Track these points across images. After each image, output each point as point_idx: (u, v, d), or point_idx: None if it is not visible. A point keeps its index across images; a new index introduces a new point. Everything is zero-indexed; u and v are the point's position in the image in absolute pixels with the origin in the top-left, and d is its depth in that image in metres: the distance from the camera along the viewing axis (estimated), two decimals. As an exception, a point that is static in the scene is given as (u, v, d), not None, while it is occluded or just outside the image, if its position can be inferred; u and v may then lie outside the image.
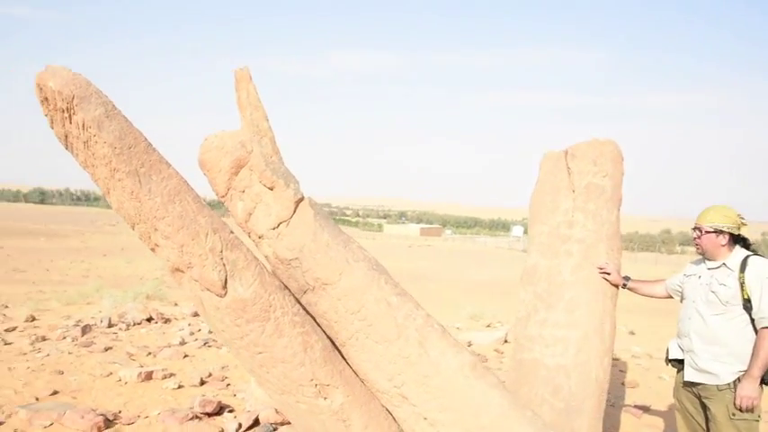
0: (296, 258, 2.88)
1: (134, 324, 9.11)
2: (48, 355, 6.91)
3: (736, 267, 3.46)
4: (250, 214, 2.98)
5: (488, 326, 11.58)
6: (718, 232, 3.52)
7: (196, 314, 10.00)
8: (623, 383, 7.29)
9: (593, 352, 3.56)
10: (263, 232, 2.95)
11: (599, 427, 3.51)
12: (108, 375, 6.12)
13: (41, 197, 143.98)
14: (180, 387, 5.88)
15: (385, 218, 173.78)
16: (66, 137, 2.52)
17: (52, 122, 2.50)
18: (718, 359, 3.47)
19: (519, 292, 4.00)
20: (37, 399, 5.28)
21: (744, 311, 3.42)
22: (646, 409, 6.10)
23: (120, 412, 5.06)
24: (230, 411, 5.24)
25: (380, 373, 2.90)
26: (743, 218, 3.58)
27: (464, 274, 30.00)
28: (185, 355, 7.26)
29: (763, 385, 3.39)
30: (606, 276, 3.71)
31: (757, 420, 3.40)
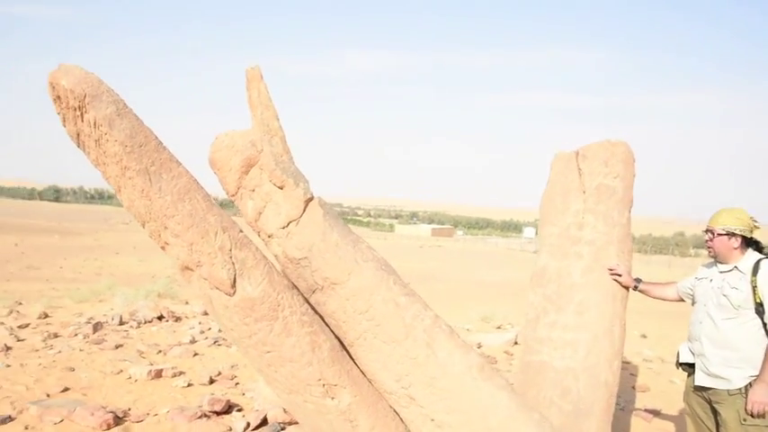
0: (305, 258, 2.88)
1: (145, 322, 9.17)
2: (59, 351, 6.97)
3: (749, 271, 3.43)
4: (260, 213, 2.98)
5: (499, 327, 11.55)
6: (731, 235, 3.49)
7: (207, 313, 10.05)
8: (634, 387, 7.24)
9: (603, 355, 3.54)
10: (272, 231, 2.95)
11: (607, 430, 3.49)
12: (118, 373, 6.16)
13: (56, 195, 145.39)
14: (189, 385, 5.91)
15: (396, 218, 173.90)
16: (78, 135, 2.54)
17: (64, 121, 2.52)
18: (729, 364, 3.44)
19: (528, 293, 3.98)
20: (48, 395, 5.33)
21: (756, 315, 3.38)
22: (656, 414, 6.05)
23: (129, 410, 5.09)
24: (239, 410, 5.25)
25: (388, 373, 2.89)
26: (756, 221, 3.55)
27: (475, 276, 29.95)
28: (195, 354, 7.30)
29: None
30: (617, 278, 3.68)
31: (769, 426, 3.37)
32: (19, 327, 8.46)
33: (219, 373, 6.41)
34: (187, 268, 2.70)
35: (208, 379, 6.10)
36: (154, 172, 2.54)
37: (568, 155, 4.13)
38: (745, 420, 3.36)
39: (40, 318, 9.37)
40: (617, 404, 6.05)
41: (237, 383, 6.16)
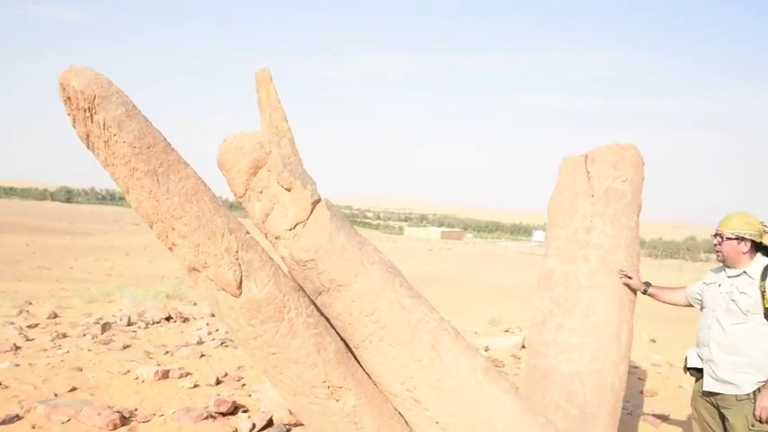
0: (311, 260, 2.89)
1: (153, 323, 9.20)
2: (68, 351, 7.00)
3: (758, 275, 3.40)
4: (267, 215, 2.99)
5: (507, 331, 11.51)
6: (740, 239, 3.47)
7: (214, 314, 10.06)
8: (642, 392, 7.19)
9: (609, 359, 3.52)
10: (279, 233, 2.96)
11: (614, 435, 3.48)
12: (126, 373, 6.19)
13: (67, 196, 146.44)
14: (196, 386, 5.92)
15: (406, 221, 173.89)
16: (88, 136, 2.56)
17: (74, 122, 2.55)
18: (737, 369, 3.41)
19: (535, 297, 3.97)
20: (56, 395, 5.36)
21: (765, 321, 3.35)
22: (664, 419, 6.01)
23: (136, 410, 5.11)
24: (245, 411, 5.26)
25: (393, 376, 2.89)
26: (766, 225, 3.52)
27: (484, 279, 29.90)
28: (202, 355, 7.32)
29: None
30: (628, 281, 3.67)
31: (777, 432, 3.34)
32: (28, 326, 8.51)
33: (226, 375, 6.42)
34: (194, 269, 2.71)
35: (214, 380, 6.11)
36: (162, 173, 2.56)
37: (577, 158, 4.12)
38: (753, 426, 3.34)
39: (49, 318, 9.43)
40: (624, 409, 6.01)
41: (244, 385, 6.17)
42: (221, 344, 7.95)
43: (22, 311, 9.78)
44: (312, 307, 2.89)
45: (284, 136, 3.32)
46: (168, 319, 9.53)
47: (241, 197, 3.02)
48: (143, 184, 2.54)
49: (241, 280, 2.67)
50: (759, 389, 3.34)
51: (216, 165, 3.08)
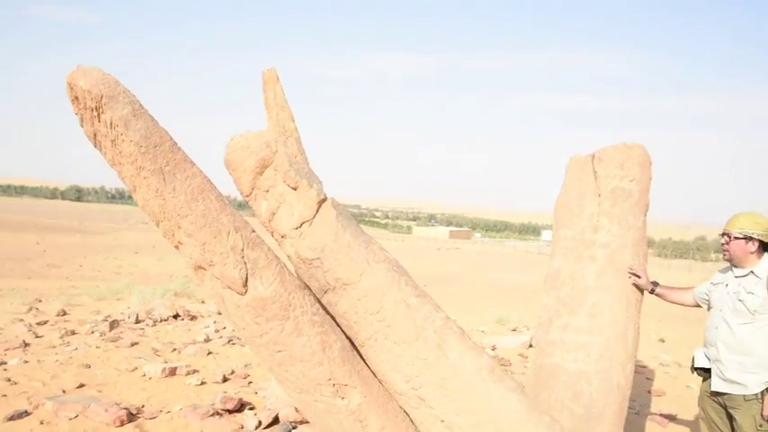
0: (317, 258, 2.90)
1: (161, 320, 9.25)
2: (76, 348, 7.06)
3: (765, 275, 3.39)
4: (273, 214, 3.00)
5: (514, 330, 11.49)
6: (748, 239, 3.45)
7: (221, 312, 10.08)
8: (649, 391, 7.16)
9: (616, 358, 3.52)
10: (285, 232, 2.97)
11: (620, 434, 3.47)
12: (133, 370, 6.23)
13: (78, 194, 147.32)
14: (203, 383, 5.95)
15: (414, 220, 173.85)
16: (95, 135, 2.57)
17: (82, 121, 2.56)
18: (745, 369, 3.40)
19: (542, 296, 3.96)
20: (64, 391, 5.40)
21: (773, 321, 3.34)
22: (671, 419, 5.98)
23: (143, 406, 5.14)
24: (251, 409, 5.28)
25: (398, 374, 2.90)
26: (774, 225, 3.50)
27: (492, 278, 29.87)
28: (209, 353, 7.35)
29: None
30: (636, 280, 3.66)
31: (784, 432, 3.33)
32: (38, 324, 8.59)
33: (233, 372, 6.45)
34: (200, 267, 2.73)
35: (221, 377, 6.14)
36: (168, 172, 2.57)
37: (584, 158, 4.10)
38: (761, 426, 3.33)
39: (58, 315, 9.51)
40: (632, 408, 5.99)
41: (250, 382, 6.20)
42: (228, 342, 7.99)
43: (31, 309, 9.86)
44: (317, 305, 2.90)
45: (291, 135, 3.33)
46: (176, 316, 9.58)
47: (247, 196, 3.03)
48: (149, 183, 2.56)
49: (247, 278, 2.68)
50: (767, 389, 3.33)
51: (223, 164, 3.10)
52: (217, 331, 8.69)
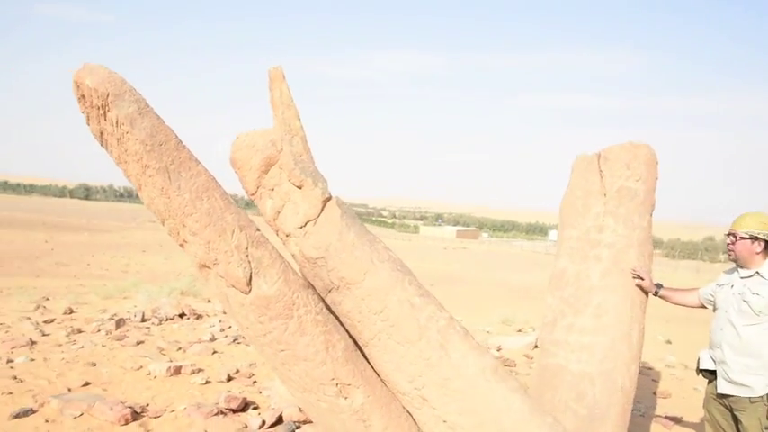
0: (322, 257, 2.90)
1: (166, 319, 9.28)
2: (82, 347, 7.08)
3: (771, 276, 3.37)
4: (278, 212, 3.01)
5: (519, 330, 11.45)
6: (754, 239, 3.43)
7: (225, 311, 10.10)
8: (655, 393, 7.13)
9: (620, 359, 3.50)
10: (290, 230, 2.98)
11: (624, 436, 3.45)
12: (138, 369, 6.25)
13: (86, 193, 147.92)
14: (207, 382, 5.97)
15: (421, 219, 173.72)
16: (102, 134, 2.59)
17: (88, 119, 2.58)
18: (751, 371, 3.38)
19: (546, 296, 3.95)
20: (69, 389, 5.42)
21: (778, 322, 3.32)
22: (677, 421, 5.95)
23: (147, 405, 5.15)
24: (255, 408, 5.29)
25: (401, 374, 2.89)
26: (781, 226, 3.48)
27: (499, 278, 29.81)
28: (214, 352, 7.37)
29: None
30: (640, 282, 3.64)
31: (790, 434, 3.31)
32: (44, 322, 8.63)
33: (237, 371, 6.46)
34: (204, 266, 2.73)
35: (226, 376, 6.15)
36: (173, 170, 2.58)
37: (590, 157, 4.09)
38: (766, 428, 3.31)
39: (65, 313, 9.55)
40: (637, 410, 5.97)
41: (255, 382, 6.21)
42: (233, 341, 8.00)
43: (38, 307, 9.91)
44: (321, 304, 2.90)
45: (296, 134, 3.33)
46: (182, 315, 9.61)
47: (253, 195, 3.03)
48: (155, 181, 2.57)
49: (251, 277, 2.69)
50: (773, 391, 3.31)
51: (228, 162, 3.11)
52: (222, 330, 8.71)
